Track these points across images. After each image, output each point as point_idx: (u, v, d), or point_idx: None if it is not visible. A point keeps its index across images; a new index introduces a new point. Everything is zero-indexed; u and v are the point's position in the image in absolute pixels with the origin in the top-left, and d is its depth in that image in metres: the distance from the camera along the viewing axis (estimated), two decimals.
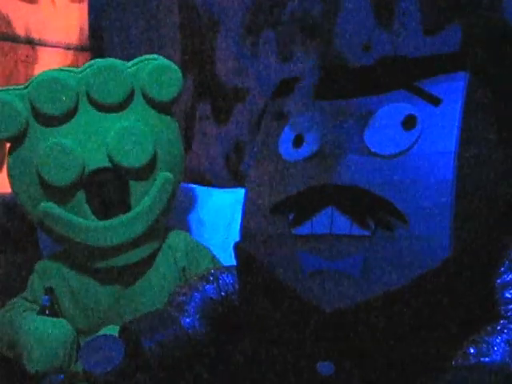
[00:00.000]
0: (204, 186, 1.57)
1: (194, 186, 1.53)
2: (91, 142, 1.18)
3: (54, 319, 1.18)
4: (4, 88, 1.20)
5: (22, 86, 1.20)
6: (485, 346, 0.76)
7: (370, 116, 0.90)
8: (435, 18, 1.16)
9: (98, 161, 1.17)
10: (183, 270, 1.28)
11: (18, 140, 1.20)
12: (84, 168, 1.16)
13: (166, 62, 1.25)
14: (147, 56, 1.26)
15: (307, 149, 0.94)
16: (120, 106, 1.20)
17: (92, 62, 1.22)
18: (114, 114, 1.20)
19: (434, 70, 0.88)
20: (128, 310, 1.24)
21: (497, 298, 0.85)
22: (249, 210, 0.99)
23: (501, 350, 0.75)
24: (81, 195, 1.18)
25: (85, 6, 1.88)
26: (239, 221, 1.02)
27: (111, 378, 0.91)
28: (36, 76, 1.20)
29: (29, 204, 1.22)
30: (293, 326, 0.90)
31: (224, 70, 1.59)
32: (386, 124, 0.88)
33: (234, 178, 1.59)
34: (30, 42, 1.74)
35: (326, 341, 0.86)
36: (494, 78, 0.92)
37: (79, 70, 1.21)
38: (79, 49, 1.88)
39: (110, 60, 1.23)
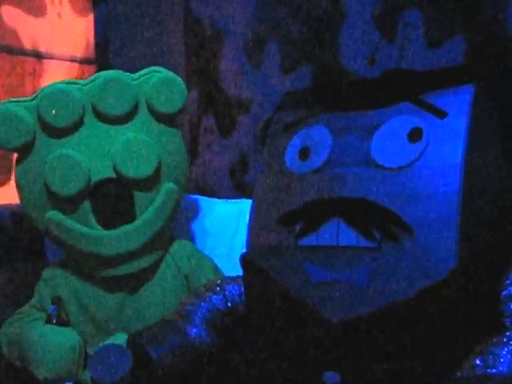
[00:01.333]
0: (209, 197, 1.58)
1: (199, 197, 1.53)
2: (97, 153, 1.19)
3: (61, 328, 1.19)
4: (12, 100, 1.21)
5: (30, 98, 1.21)
6: (491, 357, 0.76)
7: (376, 129, 0.90)
8: (439, 31, 1.16)
9: (104, 171, 1.19)
10: (186, 277, 1.29)
11: (25, 150, 1.21)
12: (89, 178, 1.17)
13: (170, 74, 1.25)
14: (152, 68, 1.26)
15: (314, 161, 0.94)
16: (125, 118, 1.20)
17: (97, 74, 1.23)
18: (119, 126, 1.21)
19: (440, 82, 0.88)
20: (133, 316, 1.25)
21: (502, 309, 0.84)
22: (255, 221, 0.98)
23: (507, 362, 0.75)
24: (86, 205, 1.19)
25: (91, 19, 1.89)
26: (243, 232, 1.02)
27: None
28: (43, 88, 1.21)
29: (35, 213, 1.23)
30: (299, 336, 0.89)
31: (228, 82, 1.59)
32: (391, 137, 0.88)
33: (239, 190, 1.59)
34: (37, 55, 1.75)
35: (333, 351, 0.86)
36: (500, 91, 0.92)
37: (85, 82, 1.22)
38: (85, 61, 1.88)
39: (115, 72, 1.23)
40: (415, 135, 0.87)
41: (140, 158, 1.18)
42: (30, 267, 1.52)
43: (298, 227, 0.93)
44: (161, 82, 1.23)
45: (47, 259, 1.49)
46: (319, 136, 0.95)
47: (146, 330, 1.00)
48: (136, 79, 1.24)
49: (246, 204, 1.38)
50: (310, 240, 0.91)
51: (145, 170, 1.19)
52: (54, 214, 1.21)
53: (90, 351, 1.22)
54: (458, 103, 0.86)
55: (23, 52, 1.71)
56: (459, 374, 0.76)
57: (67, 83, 1.21)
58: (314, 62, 1.38)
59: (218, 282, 1.12)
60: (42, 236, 1.36)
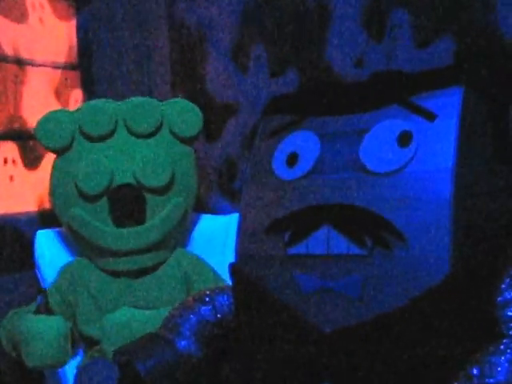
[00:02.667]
0: (195, 204, 1.57)
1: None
2: (121, 161, 1.40)
3: (49, 317, 1.29)
4: (59, 109, 1.48)
5: (74, 109, 1.47)
6: (488, 366, 0.75)
7: (365, 133, 0.89)
8: (427, 31, 1.15)
9: (124, 177, 1.38)
10: (186, 278, 1.44)
11: (63, 152, 1.43)
12: (112, 181, 1.38)
13: (191, 104, 1.45)
14: (177, 99, 1.50)
15: (302, 167, 0.93)
16: (149, 135, 1.42)
17: (132, 98, 1.47)
18: (144, 140, 1.42)
19: (429, 84, 0.86)
20: (138, 298, 1.41)
21: (498, 316, 0.83)
22: (244, 230, 0.97)
23: (505, 370, 0.74)
24: (105, 204, 1.39)
25: (73, 24, 1.87)
26: (232, 247, 1.01)
27: None
28: (85, 103, 1.50)
29: (62, 207, 1.44)
30: (291, 347, 0.88)
31: (214, 86, 1.59)
32: (381, 141, 0.87)
33: (226, 196, 1.59)
34: (19, 62, 1.74)
35: (325, 362, 0.85)
36: (490, 92, 0.91)
37: (120, 102, 1.46)
38: (68, 67, 1.87)
39: (147, 98, 1.48)
40: (405, 139, 0.85)
41: (156, 170, 1.39)
42: (19, 278, 1.62)
43: (287, 236, 0.91)
44: (183, 110, 1.44)
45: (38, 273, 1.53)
46: (307, 141, 0.93)
47: (133, 343, 1.00)
48: (163, 105, 1.45)
49: (235, 218, 1.40)
50: (299, 248, 0.90)
51: (159, 181, 1.38)
52: (76, 210, 1.40)
53: (92, 331, 1.36)
54: (448, 105, 0.85)
55: (5, 58, 1.70)
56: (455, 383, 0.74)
57: (105, 101, 1.46)
58: (300, 65, 1.37)
59: (207, 292, 1.11)
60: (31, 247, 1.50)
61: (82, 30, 1.86)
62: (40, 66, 1.80)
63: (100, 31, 1.80)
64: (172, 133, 1.44)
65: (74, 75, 1.88)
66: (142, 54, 1.73)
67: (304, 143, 0.94)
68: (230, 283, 1.04)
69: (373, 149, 0.87)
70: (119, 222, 1.39)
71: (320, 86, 0.99)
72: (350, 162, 0.88)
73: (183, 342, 1.00)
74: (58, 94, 1.82)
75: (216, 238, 1.52)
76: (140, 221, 1.39)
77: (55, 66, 1.84)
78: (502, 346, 0.77)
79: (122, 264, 1.40)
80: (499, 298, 0.84)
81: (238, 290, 0.98)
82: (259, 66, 1.49)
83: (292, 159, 0.94)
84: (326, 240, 0.87)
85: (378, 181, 0.85)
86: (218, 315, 1.06)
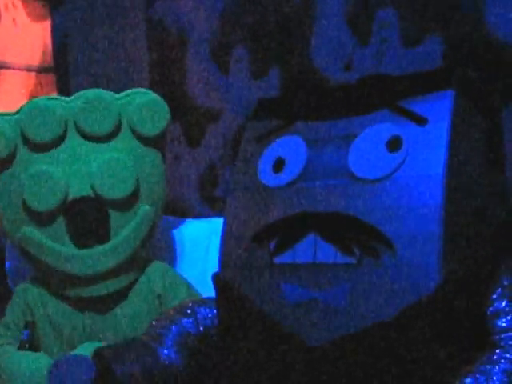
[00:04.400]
0: (177, 211, 1.56)
1: (168, 217, 1.52)
2: (75, 171, 1.23)
3: (34, 354, 1.21)
4: None
5: (13, 112, 1.26)
6: (482, 376, 0.75)
7: (354, 138, 0.89)
8: (415, 31, 1.15)
9: (81, 189, 1.22)
10: (159, 297, 1.31)
11: (5, 163, 1.25)
12: (66, 196, 1.21)
13: (154, 97, 1.29)
14: (136, 90, 1.31)
15: (288, 174, 0.92)
16: (107, 137, 1.25)
17: (82, 92, 1.28)
18: (100, 145, 1.25)
19: (419, 88, 0.86)
20: (105, 337, 1.26)
21: (490, 326, 0.83)
22: (228, 239, 0.97)
23: (499, 381, 0.74)
24: (61, 222, 1.23)
25: (48, 26, 1.86)
26: (215, 252, 1.01)
27: None
28: (26, 103, 1.26)
29: (11, 227, 1.27)
30: (275, 361, 0.88)
31: (195, 89, 1.58)
32: (370, 146, 0.87)
33: (209, 204, 1.58)
34: None
35: (311, 376, 0.84)
36: (481, 96, 0.91)
37: (69, 99, 1.27)
38: (43, 70, 1.86)
39: (99, 91, 1.28)
40: (394, 144, 0.85)
41: (118, 179, 1.23)
42: None
43: (272, 244, 0.91)
44: (144, 104, 1.27)
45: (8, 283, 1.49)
46: (294, 147, 0.93)
47: (114, 346, 1.00)
48: (120, 99, 1.28)
49: (217, 223, 1.38)
50: (285, 258, 0.89)
51: (122, 191, 1.23)
52: (28, 230, 1.24)
53: None
54: (438, 109, 0.85)
55: None
56: None
57: (50, 99, 1.27)
58: (284, 67, 1.36)
59: (189, 304, 1.10)
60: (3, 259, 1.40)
61: (56, 31, 1.84)
62: (13, 69, 1.79)
63: (75, 32, 1.78)
64: (133, 132, 1.27)
65: (49, 78, 1.86)
66: (119, 56, 1.72)
67: (291, 149, 0.93)
68: (210, 294, 1.03)
69: (361, 154, 0.87)
70: (79, 242, 1.22)
71: (307, 90, 0.99)
72: (338, 168, 0.88)
73: (165, 351, 1.00)
74: (32, 98, 1.80)
75: (198, 243, 1.45)
76: (104, 239, 1.23)
77: (29, 69, 1.83)
78: (495, 356, 0.77)
79: (86, 290, 1.24)
80: (490, 308, 0.84)
81: (221, 300, 0.97)
82: (241, 68, 1.48)
83: (278, 165, 0.94)
84: (312, 249, 0.86)
85: (367, 187, 0.85)
86: (201, 328, 1.06)
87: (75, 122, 1.24)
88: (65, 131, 1.23)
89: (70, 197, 1.21)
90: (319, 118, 0.93)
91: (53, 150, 1.23)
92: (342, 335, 0.82)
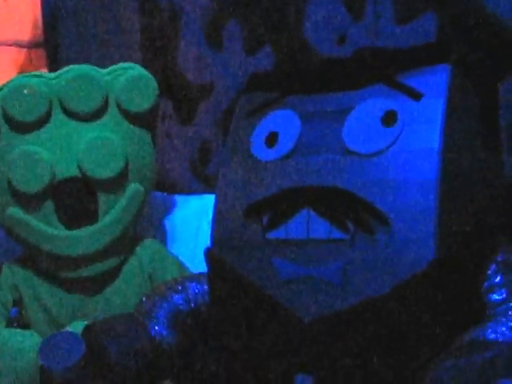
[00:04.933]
0: (168, 190, 1.56)
1: (158, 193, 1.51)
2: (62, 151, 1.21)
3: (23, 332, 1.19)
4: None
5: None
6: (474, 343, 0.76)
7: (348, 112, 0.88)
8: (409, 6, 1.15)
9: (68, 170, 1.20)
10: (150, 276, 1.30)
11: None
12: (53, 176, 1.19)
13: (142, 72, 1.26)
14: (124, 64, 1.28)
15: (281, 148, 0.92)
16: (93, 116, 1.22)
17: (66, 68, 1.24)
18: (87, 123, 1.22)
19: (415, 62, 0.86)
20: (94, 318, 1.23)
21: (484, 301, 0.84)
22: (220, 214, 0.96)
23: (490, 348, 0.74)
24: (49, 203, 1.21)
25: (38, 0, 1.84)
26: (207, 229, 1.00)
27: (71, 374, 0.89)
28: (8, 81, 1.22)
29: None
30: (268, 337, 0.88)
31: (187, 65, 1.57)
32: (364, 121, 0.86)
33: (200, 182, 1.58)
34: None
35: (305, 351, 0.84)
36: (477, 71, 0.91)
37: (53, 76, 1.24)
38: (33, 46, 1.84)
39: (85, 67, 1.25)
40: (389, 119, 0.85)
41: (106, 158, 1.20)
42: None
43: (265, 219, 0.90)
44: (131, 80, 1.24)
45: None
46: (287, 121, 0.92)
47: (104, 321, 0.99)
48: (106, 75, 1.25)
49: (209, 199, 1.38)
50: (278, 233, 0.89)
51: (110, 170, 1.21)
52: (15, 211, 1.22)
53: None
54: (435, 83, 0.85)
55: None
56: (453, 347, 0.76)
57: (34, 76, 1.23)
58: (277, 43, 1.36)
59: (180, 280, 1.10)
60: None
61: (47, 5, 1.82)
62: (2, 45, 1.77)
63: (66, 6, 1.77)
64: (121, 110, 1.24)
65: (39, 54, 1.85)
66: (110, 31, 1.70)
67: (284, 123, 0.93)
68: (201, 271, 1.03)
69: (356, 129, 0.87)
70: (68, 223, 1.21)
71: (301, 64, 0.98)
72: (332, 142, 0.87)
73: (156, 327, 0.99)
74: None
75: (189, 220, 1.44)
76: (92, 219, 1.22)
77: (19, 45, 1.82)
78: (488, 324, 0.78)
79: (75, 271, 1.24)
80: (485, 284, 0.84)
81: (213, 275, 0.97)
82: (234, 44, 1.47)
83: (271, 139, 0.93)
84: (305, 224, 0.86)
85: (361, 162, 0.84)
86: (192, 304, 1.05)
87: (60, 100, 1.21)
88: (49, 110, 1.21)
89: (57, 178, 1.20)
90: (313, 92, 0.92)
91: (37, 130, 1.21)
92: (335, 311, 0.82)
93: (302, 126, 0.91)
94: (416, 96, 0.85)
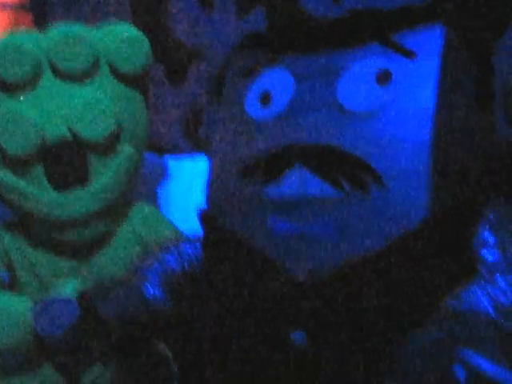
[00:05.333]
0: (159, 153, 1.57)
1: (150, 154, 1.52)
2: (51, 112, 1.19)
3: (15, 295, 1.20)
4: None
5: None
6: (463, 296, 0.78)
7: (343, 71, 0.89)
8: None
9: (58, 132, 1.19)
10: (142, 239, 1.32)
11: None
12: (43, 138, 1.18)
13: (135, 32, 1.25)
14: (116, 24, 1.27)
15: (276, 107, 0.93)
16: (84, 76, 1.21)
17: (56, 27, 1.23)
18: (78, 85, 1.21)
19: (410, 22, 0.87)
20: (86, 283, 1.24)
21: (476, 259, 0.86)
22: (214, 174, 0.97)
23: (479, 300, 0.77)
24: (39, 166, 1.21)
25: None
26: (199, 190, 1.01)
27: (66, 338, 0.92)
28: None
29: None
30: (263, 295, 0.90)
31: (178, 27, 1.57)
32: (359, 79, 0.88)
33: (192, 144, 1.58)
34: None
35: (300, 309, 0.86)
36: (472, 32, 0.92)
37: (42, 35, 1.22)
38: (19, 8, 1.83)
39: (75, 26, 1.23)
40: (384, 78, 0.86)
41: (97, 119, 1.19)
42: None
43: (260, 177, 0.91)
44: (124, 40, 1.23)
45: None
46: (281, 80, 0.93)
47: (97, 285, 1.02)
48: (98, 35, 1.24)
49: (201, 160, 1.39)
50: (273, 191, 0.90)
51: (102, 133, 1.20)
52: (3, 174, 1.22)
53: None
54: (429, 43, 0.86)
55: None
56: (433, 314, 0.78)
57: (22, 35, 1.21)
58: (270, 4, 1.36)
59: (173, 242, 1.12)
60: None
61: None
62: None
63: None
64: (113, 71, 1.24)
65: (26, 16, 1.83)
66: None
67: (278, 82, 0.94)
68: (194, 232, 1.05)
69: (350, 87, 0.88)
70: (58, 186, 1.21)
71: (295, 23, 0.99)
72: (327, 101, 0.88)
73: (150, 289, 1.01)
74: None
75: (181, 181, 1.46)
76: (84, 182, 1.22)
77: (4, 7, 1.80)
78: (479, 281, 0.80)
79: (67, 235, 1.24)
80: (476, 242, 0.86)
81: (207, 236, 0.99)
82: (226, 6, 1.47)
83: (265, 98, 0.94)
84: (300, 182, 0.87)
85: (356, 121, 0.86)
86: (185, 266, 1.07)
87: (49, 60, 1.19)
88: (38, 70, 1.19)
89: (47, 140, 1.19)
90: (307, 52, 0.93)
91: (25, 91, 1.20)
92: (329, 268, 0.84)
93: (296, 85, 0.92)
94: (410, 55, 0.86)
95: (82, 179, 1.22)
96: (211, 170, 0.98)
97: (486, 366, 0.68)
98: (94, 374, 1.19)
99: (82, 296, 0.99)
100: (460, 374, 0.71)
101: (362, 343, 0.83)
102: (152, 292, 1.01)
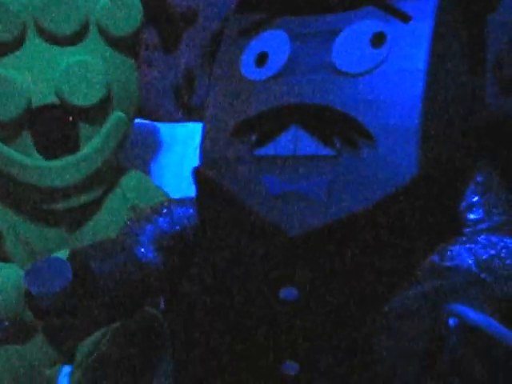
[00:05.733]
0: (151, 119, 1.57)
1: (141, 121, 1.53)
2: (38, 76, 1.16)
3: (3, 264, 1.19)
4: None
5: None
6: (448, 253, 0.81)
7: (338, 33, 0.92)
8: None
9: (45, 97, 1.17)
10: (133, 208, 1.32)
11: None
12: (30, 104, 1.16)
13: None
14: None
15: (271, 67, 0.95)
16: (73, 39, 1.18)
17: None
18: (66, 48, 1.18)
19: None
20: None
21: (462, 220, 0.89)
22: (209, 133, 0.99)
23: (463, 257, 0.80)
24: (26, 133, 1.18)
25: None
26: (191, 158, 1.03)
27: (59, 299, 0.90)
28: None
29: None
30: (255, 252, 0.92)
31: None
32: (354, 41, 0.90)
33: (184, 111, 1.59)
34: None
35: (290, 266, 0.89)
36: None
37: None
38: None
39: None
40: (378, 40, 0.89)
41: (86, 84, 1.16)
42: None
43: (254, 137, 0.94)
44: (114, 1, 1.20)
45: None
46: (277, 41, 0.95)
47: (89, 245, 1.01)
48: None
49: (193, 127, 1.41)
50: (267, 150, 0.93)
51: (91, 97, 1.18)
52: None
53: None
54: (424, 7, 0.89)
55: None
56: (418, 272, 0.81)
57: None
58: None
59: (165, 203, 1.13)
60: None
61: None
62: None
63: None
64: (102, 33, 1.21)
65: None
66: None
67: (274, 43, 0.96)
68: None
69: (345, 49, 0.90)
70: (47, 153, 1.19)
71: None
72: (322, 62, 0.91)
73: (142, 249, 1.02)
74: None
75: (173, 148, 1.46)
76: (73, 149, 1.20)
77: None
78: (462, 239, 0.83)
79: (57, 203, 1.23)
80: (463, 203, 0.90)
81: (201, 194, 1.01)
82: None
83: (261, 59, 0.96)
84: (293, 141, 0.90)
85: (350, 81, 0.88)
86: (177, 227, 1.09)
87: (36, 21, 1.16)
88: (23, 32, 1.15)
89: (34, 105, 1.16)
90: (304, 13, 0.95)
91: (10, 54, 1.16)
92: (320, 225, 0.86)
93: (292, 47, 0.94)
94: (405, 18, 0.89)
95: (72, 146, 1.21)
96: (205, 127, 1.00)
97: (475, 315, 0.71)
98: (87, 348, 1.17)
99: (73, 256, 0.98)
100: (451, 322, 0.73)
101: (352, 299, 0.86)
102: (144, 252, 1.02)
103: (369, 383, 0.86)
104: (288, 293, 0.89)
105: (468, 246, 0.81)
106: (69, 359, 1.25)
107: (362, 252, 0.86)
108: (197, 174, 1.00)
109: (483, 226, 0.89)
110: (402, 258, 0.86)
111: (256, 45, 0.98)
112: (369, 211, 0.84)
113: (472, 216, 0.89)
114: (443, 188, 0.87)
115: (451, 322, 0.73)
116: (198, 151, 1.02)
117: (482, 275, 0.78)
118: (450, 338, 0.74)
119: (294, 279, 0.89)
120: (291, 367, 0.91)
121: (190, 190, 1.08)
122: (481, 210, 0.89)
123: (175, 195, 1.34)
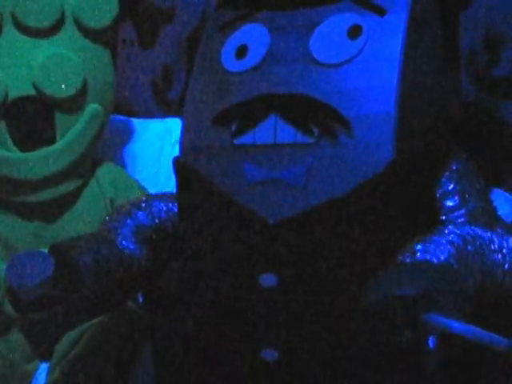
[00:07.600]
0: (128, 115, 1.63)
1: (119, 116, 1.59)
2: (15, 68, 1.22)
3: None
4: None
5: None
6: (432, 245, 0.87)
7: (316, 26, 1.00)
8: None
9: (22, 88, 1.23)
10: (111, 201, 1.38)
11: None
12: (6, 95, 1.21)
13: None
14: None
15: (251, 59, 1.03)
16: (49, 31, 1.24)
17: None
18: (42, 40, 1.24)
19: None
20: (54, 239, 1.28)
21: (438, 207, 0.98)
22: (189, 123, 1.06)
23: (446, 250, 0.85)
24: (1, 124, 1.24)
25: None
26: (169, 154, 1.08)
27: (41, 291, 0.93)
28: None
29: None
30: (235, 239, 0.99)
31: None
32: (331, 33, 0.98)
33: (162, 107, 1.64)
34: None
35: (269, 252, 0.96)
36: None
37: None
38: None
39: None
40: (355, 32, 0.97)
41: (63, 76, 1.22)
42: None
43: (234, 126, 1.01)
44: None
45: None
46: (257, 34, 1.03)
47: (72, 238, 1.06)
48: None
49: (172, 123, 1.47)
50: (246, 138, 1.00)
51: (67, 89, 1.24)
52: None
53: None
54: (398, 1, 0.98)
55: None
56: (400, 258, 0.86)
57: None
58: None
59: (143, 198, 1.20)
60: None
61: None
62: None
63: None
64: (79, 25, 1.26)
65: None
66: None
67: (254, 36, 1.04)
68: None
69: (323, 41, 0.99)
70: (23, 146, 1.25)
71: None
72: (300, 53, 0.99)
73: (124, 242, 1.07)
74: None
75: (151, 144, 1.53)
76: (49, 141, 1.26)
77: None
78: (445, 231, 0.90)
79: (33, 195, 1.28)
80: (439, 190, 0.98)
81: (181, 183, 1.07)
82: None
83: (241, 51, 1.04)
84: (273, 129, 0.98)
85: (327, 71, 0.97)
86: (156, 220, 1.15)
87: (12, 14, 1.21)
88: (0, 24, 1.21)
89: (10, 97, 1.21)
90: (282, 8, 1.03)
91: None
92: (299, 211, 0.94)
93: (271, 39, 1.02)
94: (380, 12, 0.98)
95: (48, 138, 1.26)
96: (186, 117, 1.06)
97: (454, 325, 0.72)
98: (66, 344, 1.21)
99: (55, 247, 1.02)
100: (431, 343, 0.75)
101: (332, 286, 0.94)
102: (126, 244, 1.07)
103: (348, 371, 0.94)
104: (267, 279, 0.96)
105: (450, 238, 0.88)
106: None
107: (341, 238, 0.94)
108: (177, 163, 1.07)
109: (459, 212, 0.97)
110: (380, 244, 0.93)
111: (236, 38, 1.06)
112: (347, 197, 0.92)
113: (448, 203, 0.97)
114: (419, 174, 0.95)
115: (431, 342, 0.75)
116: (175, 146, 1.09)
117: (455, 266, 0.84)
118: (428, 357, 0.75)
119: (274, 265, 0.96)
120: (270, 354, 0.98)
121: (168, 186, 1.14)
122: (457, 197, 0.98)
123: (153, 190, 1.41)
